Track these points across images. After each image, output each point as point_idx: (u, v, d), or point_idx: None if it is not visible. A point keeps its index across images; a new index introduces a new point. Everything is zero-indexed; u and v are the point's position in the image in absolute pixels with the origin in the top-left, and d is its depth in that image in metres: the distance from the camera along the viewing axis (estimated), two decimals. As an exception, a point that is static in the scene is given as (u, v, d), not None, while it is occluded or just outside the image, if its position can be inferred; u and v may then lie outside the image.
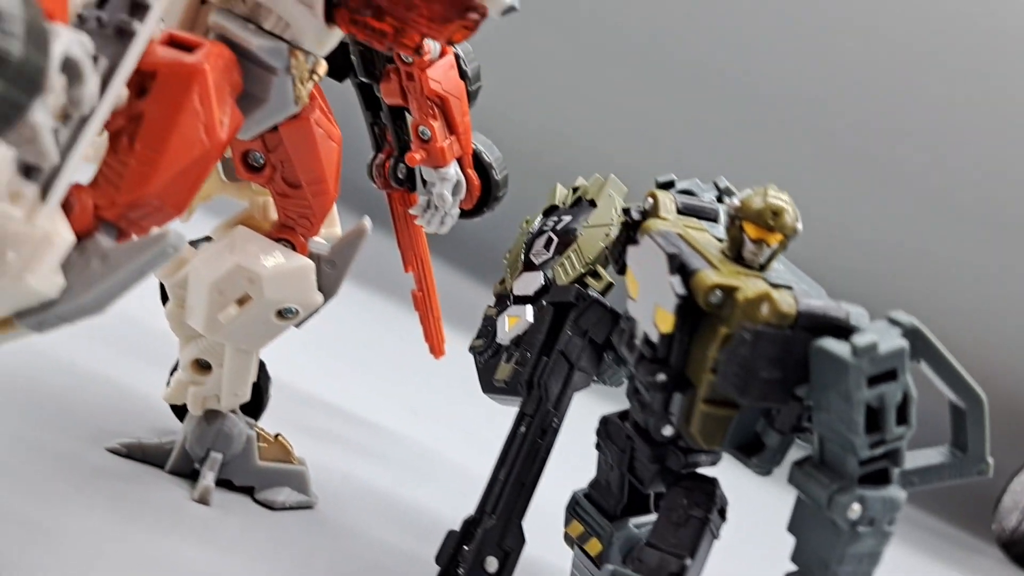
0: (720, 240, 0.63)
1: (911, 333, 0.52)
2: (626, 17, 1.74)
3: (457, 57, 0.81)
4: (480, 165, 0.85)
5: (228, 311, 0.67)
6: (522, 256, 0.84)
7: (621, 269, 0.67)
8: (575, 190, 0.85)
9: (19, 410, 0.74)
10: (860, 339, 0.50)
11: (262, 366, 0.81)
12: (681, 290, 0.56)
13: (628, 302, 0.63)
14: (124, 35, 0.50)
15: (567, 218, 0.83)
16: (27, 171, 0.48)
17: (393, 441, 1.04)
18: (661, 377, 0.58)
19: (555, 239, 0.82)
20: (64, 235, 0.51)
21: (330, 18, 0.58)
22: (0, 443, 0.69)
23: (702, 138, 1.76)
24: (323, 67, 0.62)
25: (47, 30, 0.41)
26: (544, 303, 0.77)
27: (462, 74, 0.81)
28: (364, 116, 0.85)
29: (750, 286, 0.55)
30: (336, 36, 0.60)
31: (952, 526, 1.84)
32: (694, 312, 0.57)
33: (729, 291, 0.55)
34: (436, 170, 0.81)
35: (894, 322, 0.53)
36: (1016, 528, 1.77)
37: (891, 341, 0.50)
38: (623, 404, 0.71)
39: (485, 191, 0.86)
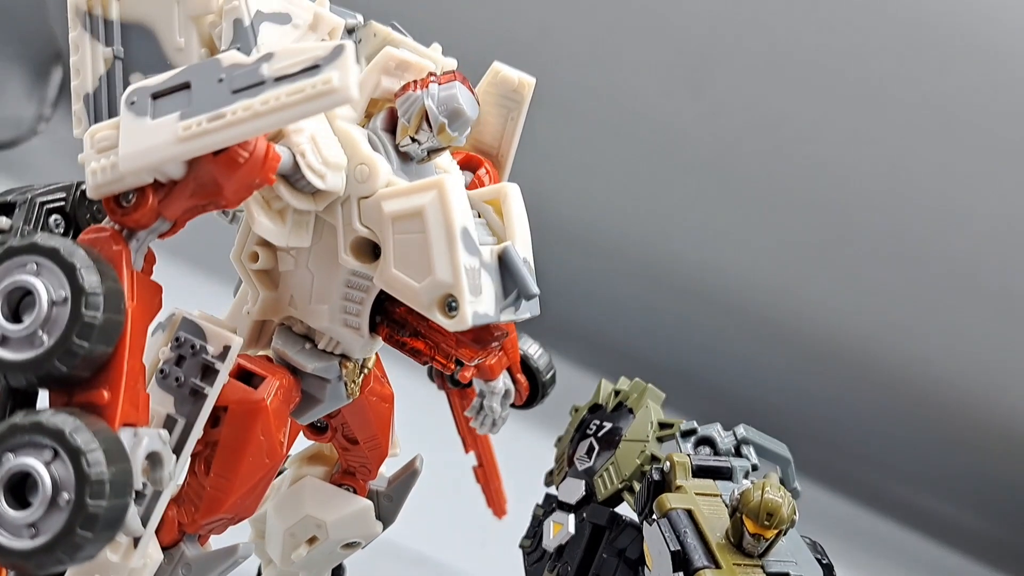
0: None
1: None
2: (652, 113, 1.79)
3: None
4: (528, 369, 0.93)
5: (299, 551, 0.77)
6: (567, 453, 0.91)
7: (630, 487, 0.75)
8: (616, 393, 0.92)
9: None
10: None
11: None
12: (683, 586, 0.63)
13: (645, 569, 0.70)
14: (198, 396, 0.60)
15: (608, 424, 0.90)
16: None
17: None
18: (670, 652, 0.65)
19: (596, 447, 0.89)
20: (154, 557, 0.61)
21: (374, 330, 0.67)
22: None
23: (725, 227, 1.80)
24: (372, 360, 0.71)
25: (128, 475, 0.50)
26: (584, 518, 0.85)
27: (507, 296, 0.89)
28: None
29: (742, 594, 0.62)
30: (380, 341, 0.69)
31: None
32: (697, 600, 0.64)
33: (724, 591, 0.62)
34: (486, 383, 0.90)
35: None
36: None
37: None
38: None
39: (533, 390, 0.94)
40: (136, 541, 0.58)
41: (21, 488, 0.49)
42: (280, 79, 0.51)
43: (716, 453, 0.78)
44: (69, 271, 0.50)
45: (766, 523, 0.63)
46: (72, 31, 0.63)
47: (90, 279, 0.50)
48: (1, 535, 0.48)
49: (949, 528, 1.87)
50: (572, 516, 0.86)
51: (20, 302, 0.51)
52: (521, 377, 0.93)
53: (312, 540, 0.78)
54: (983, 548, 1.89)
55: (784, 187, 1.78)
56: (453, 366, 0.66)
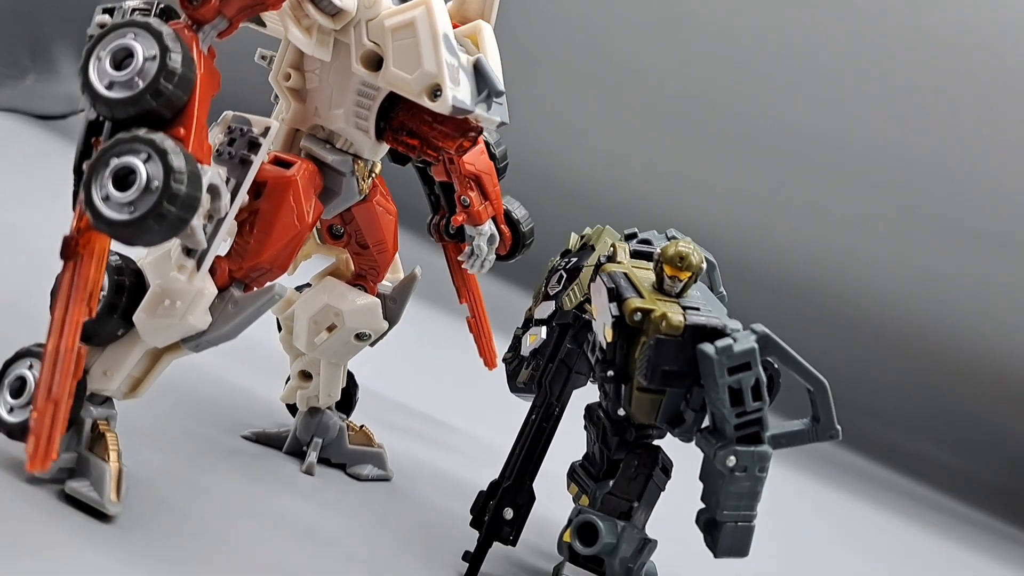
0: (657, 275, 0.87)
1: (763, 338, 0.76)
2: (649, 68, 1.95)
3: (487, 144, 1.08)
4: (511, 221, 1.12)
5: (321, 335, 0.96)
6: (543, 289, 1.10)
7: (590, 300, 0.93)
8: (582, 237, 1.10)
9: (180, 408, 1.05)
10: (720, 343, 0.74)
11: (352, 377, 1.10)
12: (616, 312, 0.81)
13: (593, 322, 0.88)
14: (245, 163, 0.80)
15: (575, 259, 1.08)
16: (188, 251, 0.78)
17: (457, 435, 1.32)
18: (610, 373, 0.83)
19: (565, 275, 1.07)
20: (211, 290, 0.80)
21: (380, 136, 0.87)
22: (166, 430, 0.99)
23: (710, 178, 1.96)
24: (379, 167, 0.90)
25: (199, 174, 0.69)
26: (554, 324, 1.03)
27: (491, 156, 1.09)
28: (423, 188, 1.14)
29: (661, 309, 0.80)
30: (386, 147, 0.88)
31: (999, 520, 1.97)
32: (628, 328, 0.82)
33: (647, 312, 0.80)
34: (475, 228, 1.09)
35: (753, 331, 0.76)
36: None
37: (744, 344, 0.74)
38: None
39: (515, 240, 1.13)
40: (199, 264, 0.78)
41: (123, 182, 0.69)
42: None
43: (652, 249, 0.96)
44: (158, 37, 0.70)
45: (678, 265, 0.82)
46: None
47: (173, 43, 0.70)
48: (109, 209, 0.67)
49: (932, 469, 2.00)
50: (544, 328, 1.04)
51: (122, 61, 0.71)
52: (505, 228, 1.12)
53: (331, 328, 0.96)
54: (961, 486, 2.02)
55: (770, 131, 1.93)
56: (437, 155, 0.85)
